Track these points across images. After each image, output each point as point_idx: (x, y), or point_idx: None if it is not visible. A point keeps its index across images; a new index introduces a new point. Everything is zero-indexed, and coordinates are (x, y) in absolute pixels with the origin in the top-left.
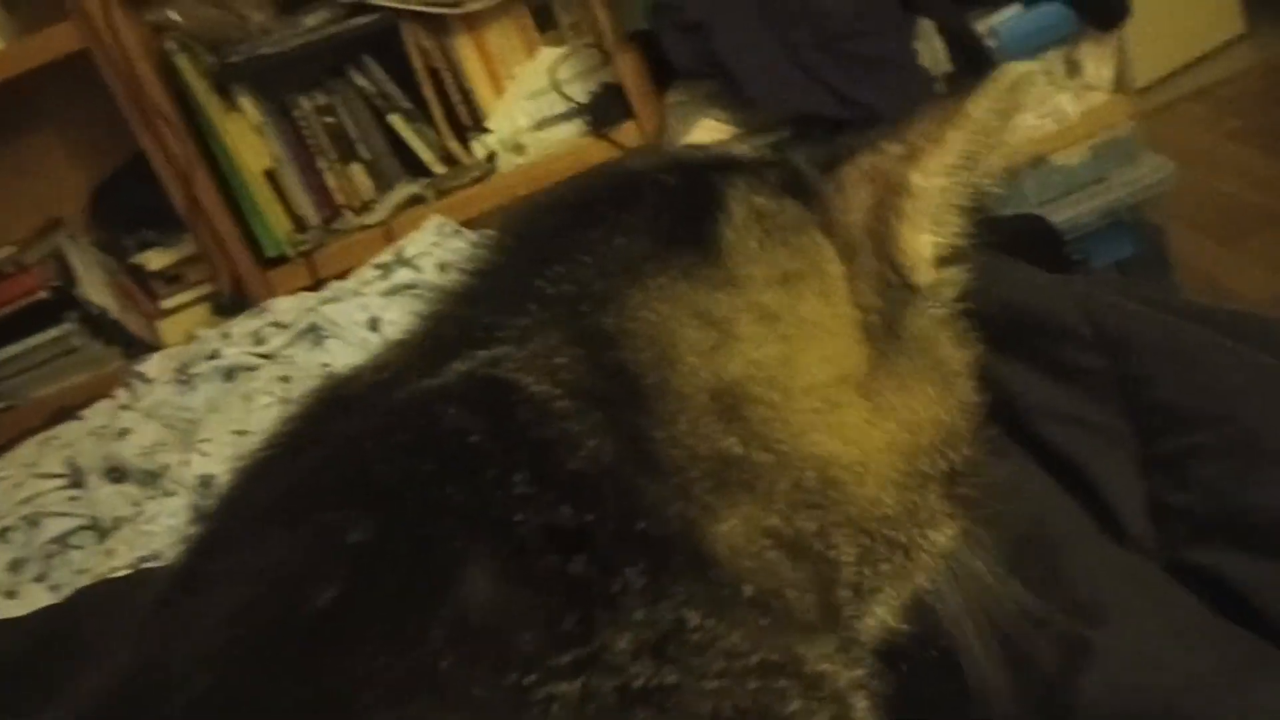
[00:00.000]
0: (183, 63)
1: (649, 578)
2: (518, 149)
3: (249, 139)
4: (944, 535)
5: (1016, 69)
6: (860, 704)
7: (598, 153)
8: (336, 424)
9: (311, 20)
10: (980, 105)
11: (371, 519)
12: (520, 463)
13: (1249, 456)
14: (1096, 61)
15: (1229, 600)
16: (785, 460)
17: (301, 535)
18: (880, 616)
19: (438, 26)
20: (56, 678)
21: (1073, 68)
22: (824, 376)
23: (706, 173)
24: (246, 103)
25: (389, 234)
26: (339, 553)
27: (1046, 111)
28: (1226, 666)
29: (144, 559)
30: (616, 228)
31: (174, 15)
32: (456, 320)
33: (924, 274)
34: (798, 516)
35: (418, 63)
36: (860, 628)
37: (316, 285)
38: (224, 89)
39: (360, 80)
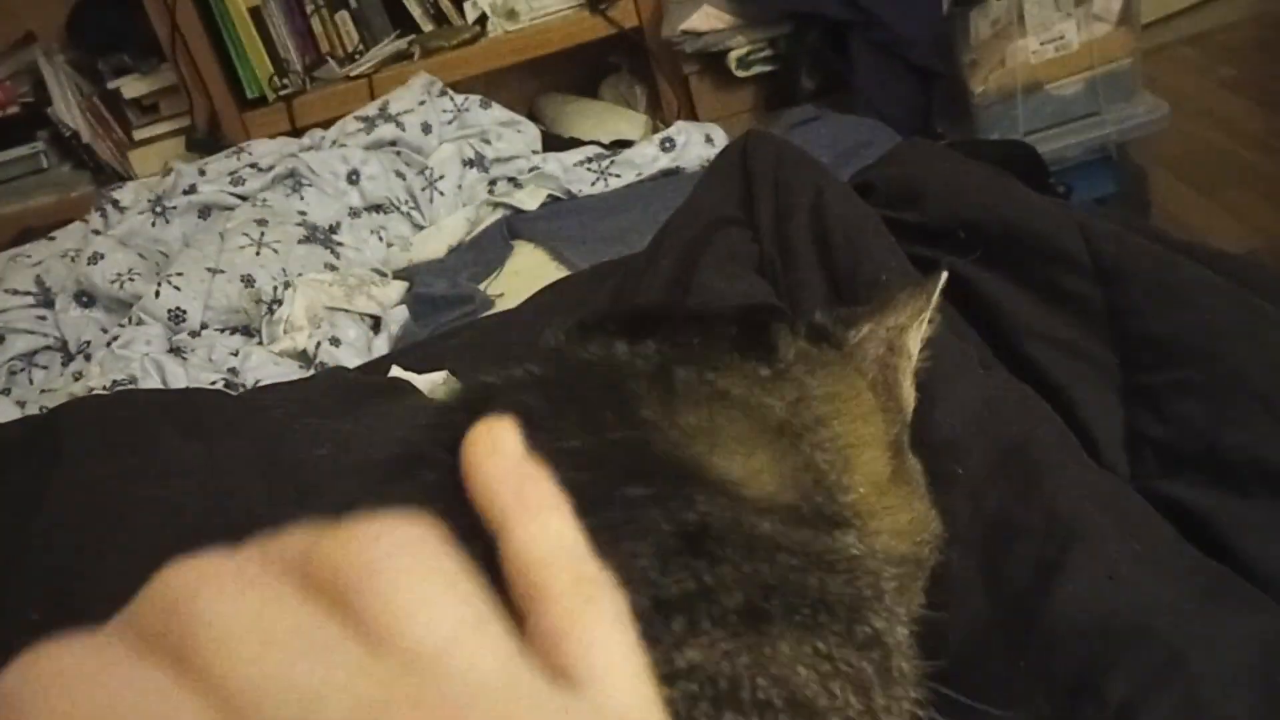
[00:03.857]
0: None
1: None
2: (510, 15)
3: None
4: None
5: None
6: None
7: (591, 28)
8: None
9: None
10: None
11: None
12: None
13: (1230, 396)
14: None
15: (1195, 533)
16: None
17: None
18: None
19: None
20: (35, 489)
21: None
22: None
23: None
24: None
25: (371, 88)
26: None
27: (1049, 38)
28: (1194, 592)
29: (119, 383)
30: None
31: None
32: None
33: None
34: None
35: None
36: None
37: (294, 132)
38: None
39: None
